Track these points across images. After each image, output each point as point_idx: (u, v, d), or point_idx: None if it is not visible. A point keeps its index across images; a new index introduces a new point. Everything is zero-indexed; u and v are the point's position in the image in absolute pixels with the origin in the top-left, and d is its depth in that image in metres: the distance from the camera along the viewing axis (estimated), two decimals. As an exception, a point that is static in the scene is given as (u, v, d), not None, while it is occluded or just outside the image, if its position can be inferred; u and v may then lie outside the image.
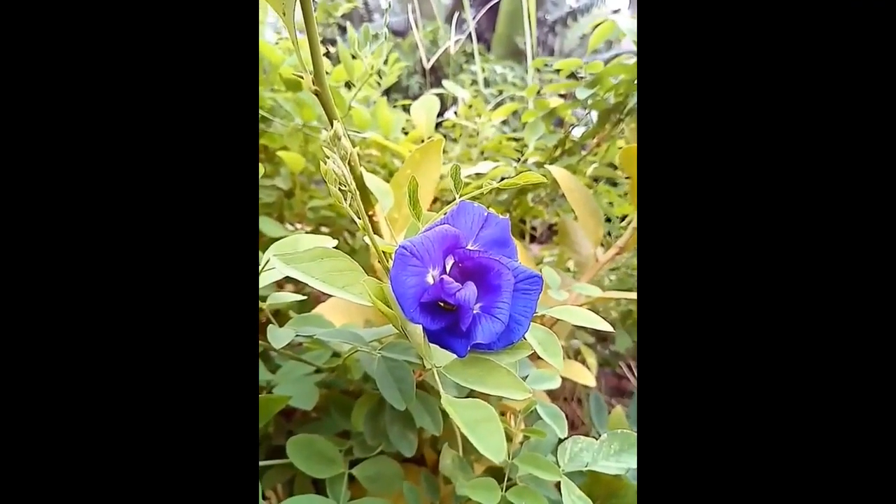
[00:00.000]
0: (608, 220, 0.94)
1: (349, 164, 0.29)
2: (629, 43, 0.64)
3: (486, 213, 0.24)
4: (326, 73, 0.76)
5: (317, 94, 0.29)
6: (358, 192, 0.22)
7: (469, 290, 0.21)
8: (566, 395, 0.97)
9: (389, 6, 0.44)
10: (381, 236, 0.36)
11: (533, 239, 1.20)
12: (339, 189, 0.21)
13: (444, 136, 1.06)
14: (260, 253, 0.54)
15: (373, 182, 0.35)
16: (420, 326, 0.22)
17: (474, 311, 0.22)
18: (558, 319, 0.60)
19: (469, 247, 0.23)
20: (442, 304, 0.22)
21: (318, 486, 0.46)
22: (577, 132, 0.78)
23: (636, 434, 0.40)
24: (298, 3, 0.27)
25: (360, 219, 0.23)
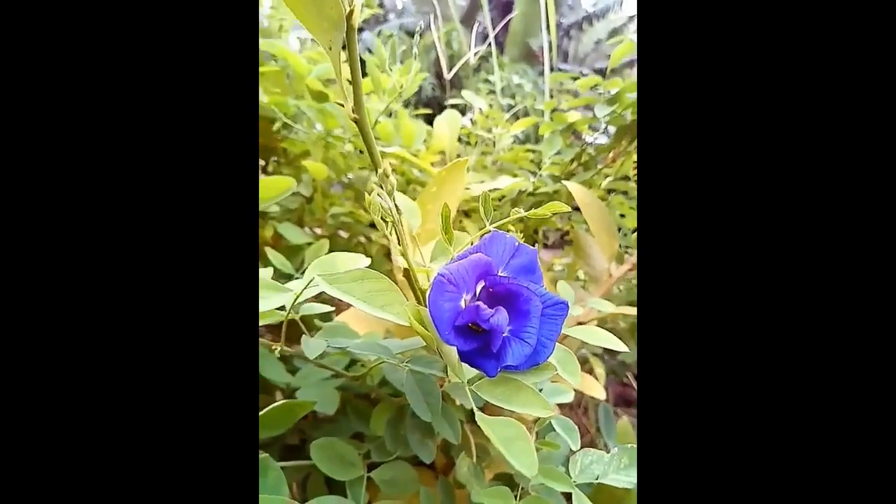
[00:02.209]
0: (619, 229, 0.95)
1: (382, 183, 0.31)
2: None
3: (517, 244, 0.26)
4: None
5: (356, 121, 0.31)
6: (400, 221, 0.24)
7: (501, 316, 0.23)
8: (573, 404, 0.98)
9: (421, 33, 0.46)
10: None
11: (545, 246, 1.21)
12: (383, 220, 0.23)
13: (459, 140, 1.08)
14: (284, 258, 0.56)
15: (401, 201, 0.37)
16: (454, 347, 0.24)
17: (504, 335, 0.24)
18: (578, 323, 0.61)
19: (500, 273, 0.25)
20: (473, 327, 0.24)
21: (331, 486, 0.48)
22: (600, 139, 0.79)
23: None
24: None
25: (400, 245, 0.24)
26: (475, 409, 0.22)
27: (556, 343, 0.32)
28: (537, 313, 0.24)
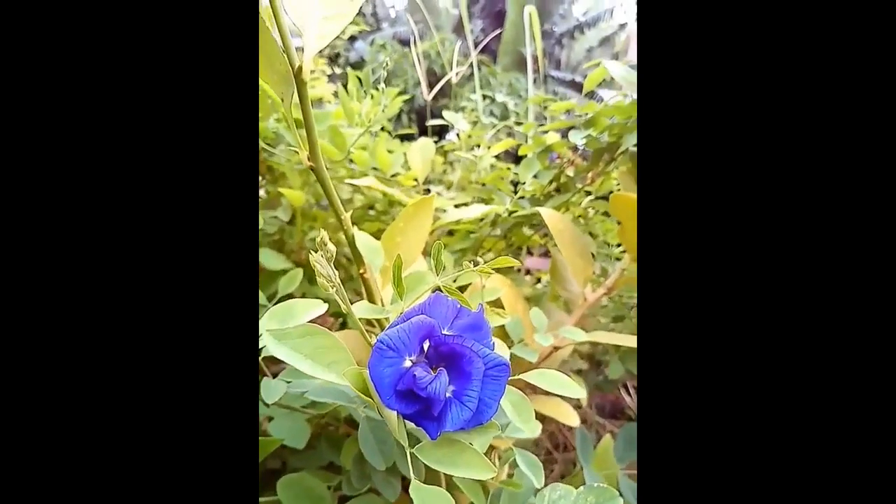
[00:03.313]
0: (608, 244, 0.95)
1: (343, 230, 0.31)
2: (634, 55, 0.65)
3: (458, 306, 0.26)
4: (326, 101, 0.78)
5: (312, 169, 0.31)
6: (342, 286, 0.24)
7: (440, 383, 0.23)
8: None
9: (386, 71, 0.46)
10: (371, 293, 0.38)
11: (530, 253, 1.21)
12: (326, 282, 0.23)
13: (445, 154, 1.08)
14: (259, 289, 0.56)
15: (363, 241, 0.37)
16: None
17: (447, 395, 0.24)
18: (555, 347, 0.61)
19: (444, 332, 0.25)
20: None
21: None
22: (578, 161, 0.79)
23: (615, 483, 0.42)
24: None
25: (344, 305, 0.25)
26: (412, 477, 0.22)
27: (516, 389, 0.32)
28: (479, 375, 0.24)
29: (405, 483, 0.42)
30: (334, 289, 0.24)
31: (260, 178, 0.85)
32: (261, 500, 0.48)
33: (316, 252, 0.24)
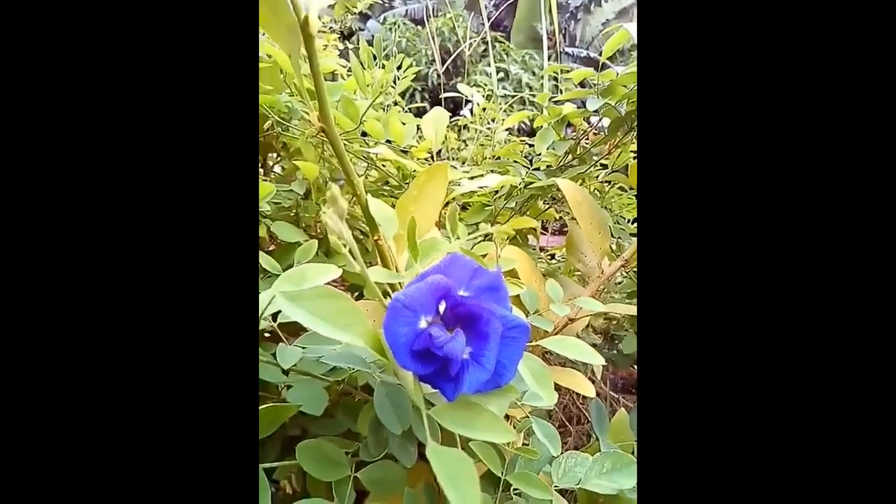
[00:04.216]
0: (622, 219, 0.94)
1: (356, 196, 0.30)
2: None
3: (475, 266, 0.25)
4: (339, 76, 0.77)
5: (323, 130, 0.30)
6: (355, 245, 0.23)
7: (457, 343, 0.22)
8: (574, 393, 0.99)
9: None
10: (385, 261, 0.38)
11: (545, 229, 1.20)
12: (337, 239, 0.23)
13: (459, 130, 1.07)
14: (273, 260, 0.56)
15: (377, 208, 0.37)
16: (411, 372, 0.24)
17: (464, 356, 0.24)
18: (569, 320, 0.61)
19: (461, 293, 0.25)
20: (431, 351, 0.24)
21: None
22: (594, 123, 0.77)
23: (631, 453, 0.42)
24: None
25: (358, 264, 0.24)
26: (429, 439, 0.22)
27: (535, 356, 0.32)
28: (497, 337, 0.23)
29: (421, 450, 0.42)
30: (347, 247, 0.23)
31: (274, 154, 0.85)
32: (282, 464, 0.48)
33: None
